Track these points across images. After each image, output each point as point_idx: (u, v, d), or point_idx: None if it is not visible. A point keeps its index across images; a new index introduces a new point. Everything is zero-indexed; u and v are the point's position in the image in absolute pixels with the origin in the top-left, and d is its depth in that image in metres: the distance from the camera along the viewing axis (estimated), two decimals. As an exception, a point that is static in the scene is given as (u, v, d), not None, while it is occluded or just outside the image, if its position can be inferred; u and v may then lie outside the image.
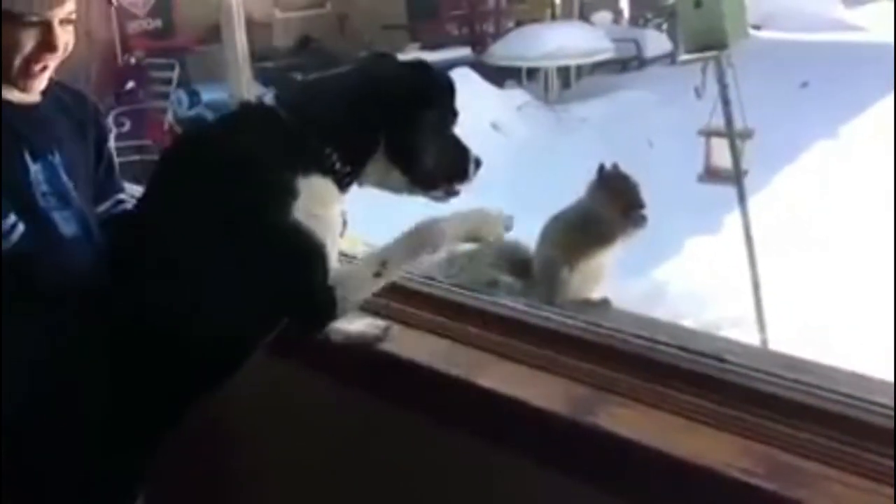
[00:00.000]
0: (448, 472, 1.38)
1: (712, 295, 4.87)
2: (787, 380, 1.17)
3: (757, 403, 1.16)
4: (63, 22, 1.43)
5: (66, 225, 1.52)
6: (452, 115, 1.31)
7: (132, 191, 1.68)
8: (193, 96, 7.88)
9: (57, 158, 1.54)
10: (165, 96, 7.96)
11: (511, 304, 1.46)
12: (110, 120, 7.49)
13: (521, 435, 1.25)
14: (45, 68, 1.45)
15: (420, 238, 1.25)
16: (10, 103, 1.49)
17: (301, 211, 1.17)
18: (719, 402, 1.18)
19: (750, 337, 4.13)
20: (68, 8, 1.42)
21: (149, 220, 1.28)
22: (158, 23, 8.50)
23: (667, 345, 1.27)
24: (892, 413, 1.10)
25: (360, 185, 1.28)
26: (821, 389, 1.14)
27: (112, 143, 1.79)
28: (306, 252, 1.17)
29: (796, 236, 5.46)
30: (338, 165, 1.21)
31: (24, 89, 1.47)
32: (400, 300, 1.50)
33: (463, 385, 1.30)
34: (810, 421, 1.12)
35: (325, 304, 1.19)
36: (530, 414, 1.23)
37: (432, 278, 1.59)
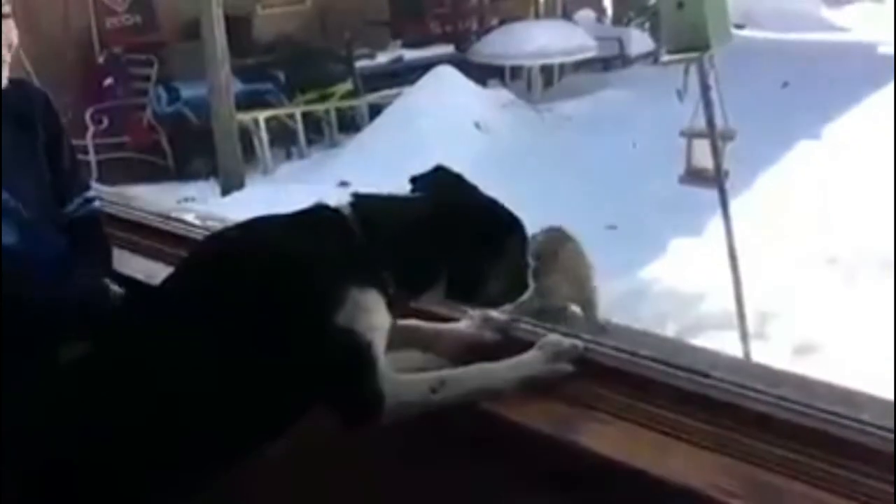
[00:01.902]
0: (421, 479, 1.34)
1: (695, 295, 4.87)
2: (772, 396, 1.14)
3: (739, 420, 1.13)
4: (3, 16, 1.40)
5: (5, 236, 1.48)
6: (522, 243, 1.30)
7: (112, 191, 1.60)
8: (172, 93, 7.80)
9: None
10: (144, 93, 7.87)
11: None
12: (87, 117, 7.40)
13: (502, 450, 1.21)
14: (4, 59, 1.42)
15: (487, 378, 1.23)
16: None
17: (345, 318, 1.15)
18: (702, 419, 1.15)
19: (731, 337, 4.14)
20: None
21: (190, 307, 1.23)
22: (138, 18, 8.40)
23: (650, 359, 1.24)
24: (882, 433, 1.07)
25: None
26: (807, 407, 1.11)
27: (71, 140, 1.72)
28: (354, 354, 1.16)
29: (780, 237, 5.47)
30: (391, 290, 1.20)
31: None
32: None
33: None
34: (794, 439, 1.09)
35: (370, 401, 1.16)
36: (510, 429, 1.19)
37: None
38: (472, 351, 1.30)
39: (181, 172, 7.73)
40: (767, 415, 1.12)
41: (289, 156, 8.20)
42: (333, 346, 1.16)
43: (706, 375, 1.19)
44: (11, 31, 1.44)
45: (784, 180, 6.47)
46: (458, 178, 1.32)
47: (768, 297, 4.72)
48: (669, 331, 4.52)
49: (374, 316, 1.18)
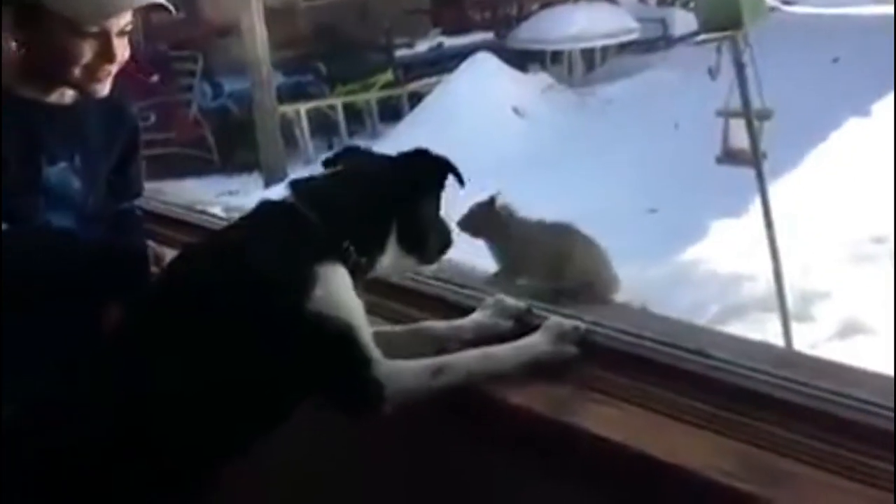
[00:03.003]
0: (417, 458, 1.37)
1: (736, 278, 4.79)
2: (773, 376, 1.13)
3: (740, 401, 1.13)
4: (120, 34, 1.45)
5: (61, 222, 1.57)
6: (441, 193, 1.36)
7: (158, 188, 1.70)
8: (216, 87, 7.94)
9: (77, 161, 1.58)
10: (189, 88, 8.01)
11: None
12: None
13: (500, 432, 1.23)
14: (108, 74, 1.48)
15: (490, 361, 1.25)
16: (41, 104, 1.53)
17: (321, 300, 1.17)
18: (701, 399, 1.15)
19: (774, 319, 4.06)
20: (125, 19, 1.45)
21: (167, 319, 1.25)
22: (182, 14, 8.54)
23: (650, 339, 1.24)
24: (884, 411, 1.06)
25: (372, 274, 1.31)
26: (807, 386, 1.11)
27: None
28: (336, 337, 1.17)
29: (824, 216, 5.35)
30: (354, 257, 1.24)
31: (90, 93, 1.50)
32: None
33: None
34: (795, 419, 1.09)
35: (369, 388, 1.17)
36: (509, 411, 1.21)
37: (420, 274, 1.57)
38: (489, 342, 1.30)
39: (226, 166, 7.87)
40: (768, 395, 1.12)
41: (330, 146, 8.26)
42: (316, 333, 1.17)
43: (707, 356, 1.19)
44: (125, 49, 1.50)
45: (830, 158, 6.31)
46: (364, 150, 1.41)
47: (812, 278, 4.63)
48: (710, 314, 4.48)
49: (346, 293, 1.20)
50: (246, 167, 7.74)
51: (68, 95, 1.55)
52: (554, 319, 1.29)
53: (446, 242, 1.38)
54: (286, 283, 1.19)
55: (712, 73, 3.75)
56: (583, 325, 1.27)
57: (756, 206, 4.82)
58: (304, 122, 7.91)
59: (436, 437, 1.32)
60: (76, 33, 1.41)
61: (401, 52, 8.79)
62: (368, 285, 1.33)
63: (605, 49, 9.74)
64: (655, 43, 10.14)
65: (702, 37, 3.87)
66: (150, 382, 1.19)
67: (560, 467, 1.17)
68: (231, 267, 1.23)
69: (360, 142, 8.32)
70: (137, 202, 1.82)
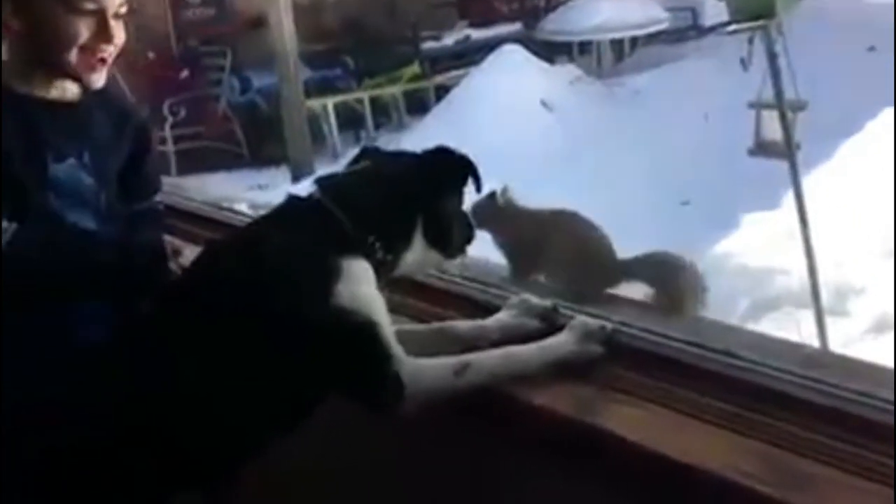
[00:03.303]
0: (448, 462, 1.36)
1: (769, 271, 4.72)
2: (798, 376, 1.11)
3: (765, 401, 1.11)
4: (116, 16, 1.46)
5: (80, 221, 1.57)
6: (463, 190, 1.37)
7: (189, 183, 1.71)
8: (245, 82, 7.98)
9: (86, 158, 1.58)
10: (218, 83, 8.07)
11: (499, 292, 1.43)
12: (165, 108, 7.64)
13: (523, 433, 1.21)
14: (103, 60, 1.48)
15: (513, 360, 1.24)
16: (42, 101, 1.53)
17: (343, 295, 1.18)
18: (726, 399, 1.13)
19: (808, 314, 4.00)
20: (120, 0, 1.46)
21: (182, 310, 1.26)
22: (212, 10, 8.60)
23: (674, 339, 1.22)
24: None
25: (398, 272, 1.31)
26: (833, 387, 1.08)
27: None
28: (356, 332, 1.17)
29: (860, 209, 5.25)
30: (380, 254, 1.25)
31: (87, 83, 1.50)
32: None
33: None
34: (821, 420, 1.06)
35: (387, 384, 1.16)
36: (532, 412, 1.19)
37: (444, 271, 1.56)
38: (515, 342, 1.28)
39: (255, 160, 7.91)
40: (793, 395, 1.10)
41: (358, 140, 8.28)
42: (337, 328, 1.17)
43: (733, 356, 1.17)
44: (122, 33, 1.51)
45: (865, 150, 6.18)
46: (385, 151, 1.42)
47: (847, 272, 4.54)
48: (741, 308, 4.42)
49: (368, 289, 1.20)
50: (274, 161, 7.77)
51: (70, 92, 1.55)
52: (580, 319, 1.27)
53: (469, 236, 1.38)
54: (310, 278, 1.19)
55: (744, 63, 3.69)
56: (609, 325, 1.26)
57: (789, 198, 4.74)
58: (332, 116, 7.92)
59: (458, 437, 1.31)
60: (72, 11, 1.41)
61: (428, 45, 8.76)
62: (394, 284, 1.33)
63: (634, 39, 9.64)
64: (685, 33, 10.01)
65: (733, 27, 3.80)
66: (175, 378, 1.19)
67: (582, 468, 1.15)
68: (256, 262, 1.23)
69: (387, 135, 8.34)
70: (158, 197, 1.79)
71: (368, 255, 1.23)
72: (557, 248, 1.87)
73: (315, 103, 7.83)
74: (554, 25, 9.02)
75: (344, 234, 1.22)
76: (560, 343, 1.24)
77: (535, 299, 1.34)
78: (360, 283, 1.20)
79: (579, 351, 1.23)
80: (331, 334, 1.17)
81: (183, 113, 7.78)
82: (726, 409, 1.11)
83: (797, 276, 4.32)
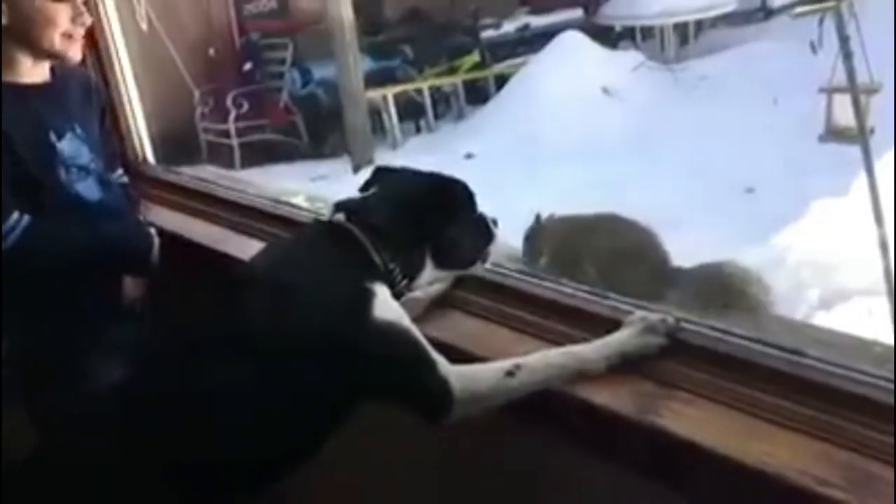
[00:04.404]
0: (498, 460, 1.34)
1: (838, 262, 4.56)
2: (871, 376, 1.06)
3: (838, 403, 1.06)
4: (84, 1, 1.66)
5: (90, 192, 1.73)
6: (473, 199, 1.42)
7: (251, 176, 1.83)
8: (306, 74, 8.04)
9: (78, 130, 1.73)
10: (280, 76, 8.15)
11: (569, 290, 1.40)
12: (229, 101, 7.77)
13: (578, 430, 1.19)
14: (80, 38, 1.68)
15: (565, 360, 1.23)
16: (33, 85, 1.68)
17: (380, 308, 1.22)
18: (795, 400, 1.09)
19: (880, 303, 3.85)
20: None
21: (222, 336, 1.24)
22: (273, 4, 8.69)
23: (740, 336, 1.18)
24: None
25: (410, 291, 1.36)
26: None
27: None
28: (402, 342, 1.20)
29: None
30: (398, 279, 1.31)
31: (69, 60, 1.68)
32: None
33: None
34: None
35: (437, 392, 1.18)
36: (587, 408, 1.17)
37: (498, 265, 1.54)
38: None
39: (316, 151, 7.98)
40: (868, 397, 1.05)
41: (417, 130, 8.30)
42: (381, 342, 1.19)
43: (801, 354, 1.12)
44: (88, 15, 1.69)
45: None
46: (395, 170, 1.46)
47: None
48: (810, 299, 4.28)
49: (395, 303, 1.25)
50: (335, 152, 7.84)
51: (45, 72, 1.71)
52: (639, 313, 1.26)
53: (487, 240, 1.43)
54: (349, 301, 1.22)
55: (814, 46, 3.55)
56: (671, 318, 1.23)
57: (860, 185, 4.58)
58: (391, 107, 7.94)
59: (516, 437, 1.29)
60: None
61: (487, 34, 8.70)
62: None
63: (698, 23, 9.41)
64: (753, 15, 9.73)
65: (802, 8, 3.66)
66: (224, 406, 1.18)
67: (639, 469, 1.12)
68: (295, 289, 1.23)
69: (447, 125, 8.34)
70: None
71: (391, 282, 1.28)
72: (597, 250, 1.85)
73: (375, 94, 7.86)
74: (615, 10, 8.86)
75: (371, 262, 1.27)
76: (620, 338, 1.22)
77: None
78: (390, 304, 1.24)
79: (642, 344, 1.21)
80: (377, 347, 1.19)
81: (246, 106, 7.88)
82: (796, 410, 1.07)
83: (868, 265, 4.17)
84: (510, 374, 1.18)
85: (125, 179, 1.95)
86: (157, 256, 1.84)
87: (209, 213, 2.13)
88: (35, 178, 1.63)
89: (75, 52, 1.68)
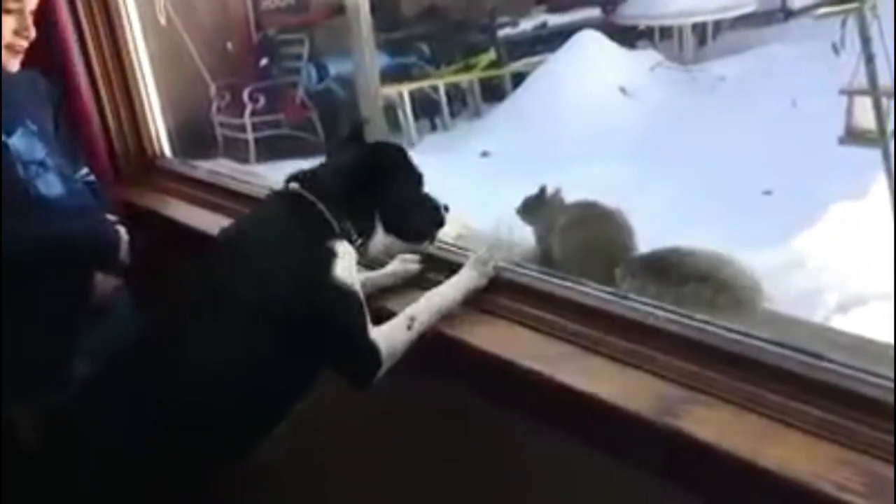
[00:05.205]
0: (522, 462, 1.34)
1: (856, 266, 4.52)
2: (888, 379, 1.04)
3: (858, 407, 1.04)
4: (31, 13, 1.66)
5: (50, 188, 1.70)
6: (418, 176, 1.51)
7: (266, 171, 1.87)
8: (322, 70, 8.04)
9: (29, 124, 1.71)
10: (297, 71, 8.16)
11: (594, 292, 1.38)
12: (245, 96, 7.79)
13: (598, 433, 1.18)
14: (22, 49, 1.68)
15: (438, 300, 1.43)
16: None
17: (340, 269, 1.34)
18: (816, 404, 1.07)
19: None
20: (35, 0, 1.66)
21: (200, 301, 1.38)
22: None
23: (759, 339, 1.17)
24: None
25: (366, 255, 1.47)
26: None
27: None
28: (351, 306, 1.33)
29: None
30: (354, 237, 1.41)
31: (8, 70, 1.67)
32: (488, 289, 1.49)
33: (542, 380, 1.25)
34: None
35: (369, 355, 1.32)
36: (611, 414, 1.16)
37: (519, 265, 1.54)
38: None
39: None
40: (885, 401, 1.03)
41: (433, 127, 8.29)
42: (334, 301, 1.31)
43: (821, 357, 1.11)
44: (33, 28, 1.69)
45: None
46: (351, 141, 1.55)
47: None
48: (828, 303, 4.24)
49: (354, 267, 1.36)
50: (350, 148, 7.83)
51: None
52: (472, 254, 1.51)
53: (435, 222, 1.52)
54: (314, 257, 1.34)
55: (836, 48, 3.52)
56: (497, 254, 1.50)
57: (879, 188, 4.53)
58: (407, 104, 7.94)
59: (538, 443, 1.29)
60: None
61: (504, 32, 8.68)
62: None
63: (717, 24, 9.35)
64: (772, 16, 9.66)
65: (824, 9, 3.63)
66: (201, 362, 1.31)
67: (658, 472, 1.11)
68: (262, 251, 1.38)
69: (463, 122, 8.32)
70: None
71: (349, 238, 1.39)
72: (571, 237, 1.90)
73: (391, 91, 7.85)
74: (633, 10, 8.81)
75: (326, 222, 1.37)
76: (465, 276, 1.47)
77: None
78: (347, 266, 1.35)
79: (478, 275, 1.47)
80: (328, 304, 1.31)
81: (262, 101, 7.89)
82: (816, 414, 1.05)
83: (887, 269, 4.13)
84: (409, 327, 1.36)
85: (91, 178, 1.92)
86: (127, 254, 1.82)
87: (226, 206, 2.13)
88: None
89: (14, 64, 1.68)
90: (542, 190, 2.17)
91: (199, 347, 1.31)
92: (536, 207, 2.13)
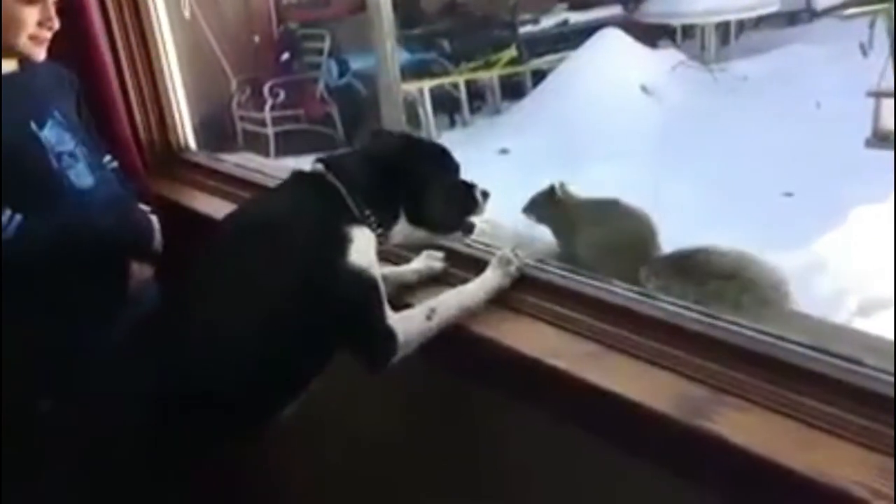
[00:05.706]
0: (545, 460, 1.33)
1: (879, 268, 4.48)
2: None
3: (889, 411, 1.03)
4: (54, 3, 1.66)
5: (81, 178, 1.71)
6: (453, 165, 1.51)
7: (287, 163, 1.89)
8: (343, 65, 8.05)
9: (57, 115, 1.72)
10: (317, 66, 8.17)
11: (623, 292, 1.37)
12: (266, 91, 7.81)
13: (622, 432, 1.17)
14: (47, 39, 1.67)
15: (464, 296, 1.44)
16: (5, 77, 1.65)
17: (355, 254, 1.34)
18: (853, 410, 1.06)
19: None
20: None
21: (216, 275, 1.40)
22: (313, -7, 8.71)
23: (794, 343, 1.15)
24: None
25: (387, 243, 1.46)
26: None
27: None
28: (367, 290, 1.33)
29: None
30: (374, 226, 1.41)
31: (34, 59, 1.68)
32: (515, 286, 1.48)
33: (567, 379, 1.24)
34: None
35: (385, 338, 1.33)
36: (636, 413, 1.15)
37: (543, 261, 1.53)
38: None
39: (351, 142, 7.99)
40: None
41: (452, 124, 8.28)
42: (349, 285, 1.31)
43: (859, 363, 1.09)
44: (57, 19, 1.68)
45: None
46: (389, 133, 1.57)
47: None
48: (850, 307, 4.20)
49: (372, 252, 1.36)
50: (369, 144, 7.83)
51: (13, 65, 1.69)
52: (498, 252, 1.50)
53: (469, 207, 1.50)
54: (329, 240, 1.34)
55: (864, 49, 3.48)
56: (519, 252, 1.49)
57: (903, 192, 4.48)
58: (427, 100, 7.93)
59: (559, 444, 1.28)
60: (24, 2, 1.60)
61: (525, 29, 8.65)
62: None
63: (740, 23, 9.28)
64: (797, 16, 9.58)
65: (852, 10, 3.58)
66: (215, 338, 1.32)
67: (688, 475, 1.10)
68: (280, 227, 1.37)
69: (483, 119, 8.31)
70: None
71: (368, 225, 1.39)
72: (595, 236, 1.87)
73: (411, 87, 7.85)
74: (656, 8, 8.75)
75: (346, 206, 1.38)
76: (489, 276, 1.46)
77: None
78: (366, 247, 1.36)
79: (503, 274, 1.47)
80: (344, 288, 1.31)
81: (282, 95, 7.91)
82: (850, 419, 1.04)
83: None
84: (428, 318, 1.37)
85: (115, 164, 1.93)
86: (160, 242, 1.84)
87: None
88: (29, 171, 1.61)
89: (39, 54, 1.69)
90: (551, 188, 2.15)
91: (215, 321, 1.32)
92: (547, 206, 2.11)
